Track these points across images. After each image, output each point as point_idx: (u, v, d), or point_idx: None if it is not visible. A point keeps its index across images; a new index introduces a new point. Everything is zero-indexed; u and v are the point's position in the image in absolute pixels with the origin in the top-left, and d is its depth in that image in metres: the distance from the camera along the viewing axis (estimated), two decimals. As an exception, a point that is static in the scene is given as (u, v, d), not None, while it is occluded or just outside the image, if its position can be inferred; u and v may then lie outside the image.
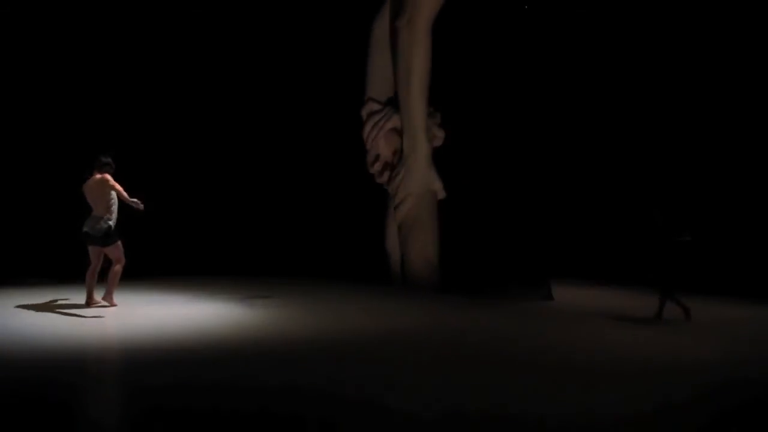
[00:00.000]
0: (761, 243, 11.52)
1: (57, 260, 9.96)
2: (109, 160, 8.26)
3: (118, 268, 8.18)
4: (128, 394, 5.05)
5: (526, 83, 11.61)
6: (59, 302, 8.43)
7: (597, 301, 9.92)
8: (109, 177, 8.09)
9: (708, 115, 12.04)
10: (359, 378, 5.48)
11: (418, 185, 10.88)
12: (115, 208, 8.14)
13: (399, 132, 11.17)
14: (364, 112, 11.43)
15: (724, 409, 4.96)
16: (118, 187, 8.06)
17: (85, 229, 8.04)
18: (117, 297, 8.29)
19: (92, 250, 8.19)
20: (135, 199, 8.05)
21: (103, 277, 8.27)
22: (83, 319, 7.55)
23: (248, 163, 12.98)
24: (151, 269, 10.51)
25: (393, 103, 11.33)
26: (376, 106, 11.39)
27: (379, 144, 11.32)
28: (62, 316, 7.62)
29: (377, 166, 11.43)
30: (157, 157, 12.05)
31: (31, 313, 7.82)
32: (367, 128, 11.37)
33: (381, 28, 11.34)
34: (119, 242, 8.15)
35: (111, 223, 8.05)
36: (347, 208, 12.31)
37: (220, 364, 5.78)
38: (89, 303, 8.20)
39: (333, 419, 4.47)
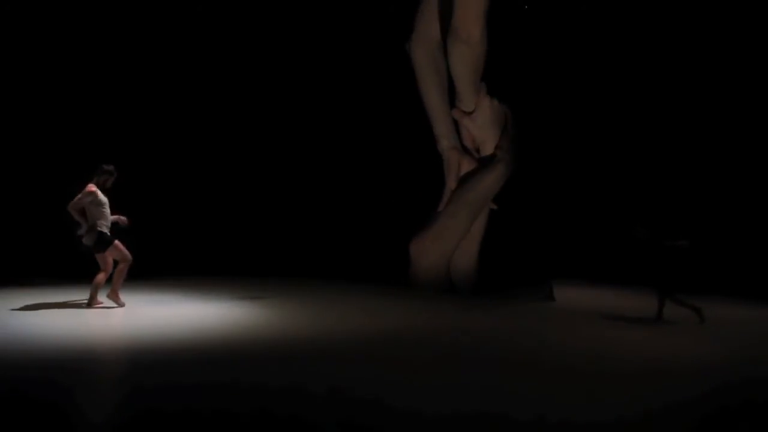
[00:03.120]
0: (760, 244, 11.54)
1: (62, 261, 9.96)
2: (111, 167, 8.23)
3: (122, 266, 8.21)
4: (128, 394, 5.05)
5: (527, 84, 11.62)
6: (62, 302, 8.44)
7: (597, 301, 9.93)
8: (89, 186, 8.00)
9: (708, 116, 12.07)
10: (360, 378, 5.49)
11: None
12: (106, 214, 8.09)
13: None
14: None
15: (724, 409, 4.98)
16: (78, 195, 7.93)
17: (84, 242, 8.08)
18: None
19: (98, 257, 8.19)
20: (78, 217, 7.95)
21: (109, 279, 8.29)
22: (84, 319, 7.55)
23: (253, 162, 13.00)
24: (152, 270, 10.51)
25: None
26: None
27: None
28: (64, 317, 7.62)
29: None
30: (162, 158, 12.09)
31: (34, 313, 7.83)
32: None
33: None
34: (116, 242, 8.15)
35: (101, 229, 8.03)
36: (356, 210, 12.37)
37: (221, 365, 5.78)
38: (91, 304, 8.21)
39: (334, 419, 4.47)
